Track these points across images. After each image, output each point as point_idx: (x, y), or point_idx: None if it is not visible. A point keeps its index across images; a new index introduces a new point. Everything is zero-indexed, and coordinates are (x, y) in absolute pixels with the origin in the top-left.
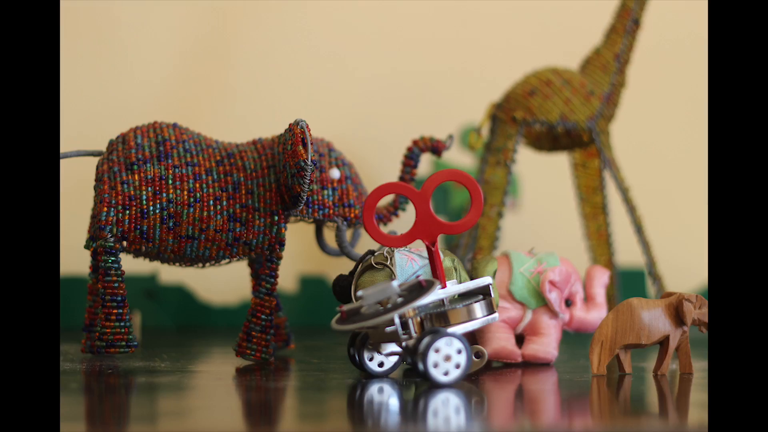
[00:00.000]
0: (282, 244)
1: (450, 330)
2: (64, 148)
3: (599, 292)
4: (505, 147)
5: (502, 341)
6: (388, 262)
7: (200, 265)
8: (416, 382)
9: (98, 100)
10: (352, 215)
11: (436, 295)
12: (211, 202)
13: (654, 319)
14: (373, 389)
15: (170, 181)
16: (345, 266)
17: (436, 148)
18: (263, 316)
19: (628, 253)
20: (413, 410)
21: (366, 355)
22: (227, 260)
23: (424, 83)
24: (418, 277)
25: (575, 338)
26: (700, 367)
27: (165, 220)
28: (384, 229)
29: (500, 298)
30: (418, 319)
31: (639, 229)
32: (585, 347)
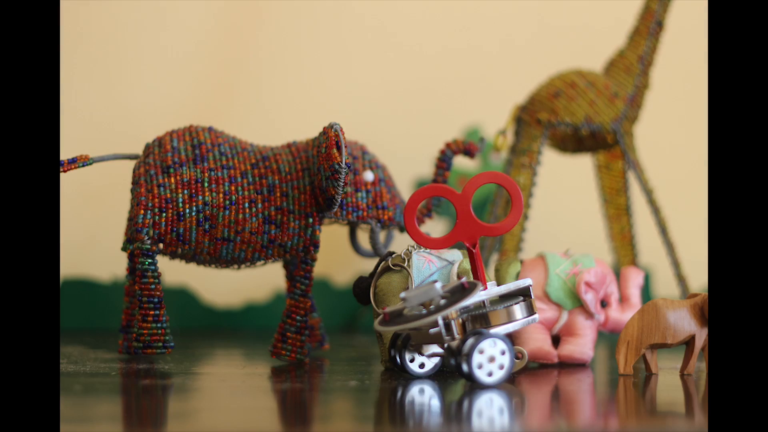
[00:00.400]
0: (316, 246)
1: (493, 331)
2: (65, 150)
3: (634, 293)
4: (529, 149)
5: (539, 342)
6: (406, 264)
7: (235, 266)
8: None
9: (100, 100)
10: (386, 217)
11: (478, 296)
12: (247, 205)
13: (679, 319)
14: (415, 390)
15: (206, 184)
16: (347, 267)
17: (468, 150)
18: (298, 317)
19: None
20: (457, 411)
21: (407, 357)
22: (262, 262)
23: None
24: (441, 279)
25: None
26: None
27: (201, 223)
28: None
29: (536, 299)
30: (460, 320)
31: (663, 230)
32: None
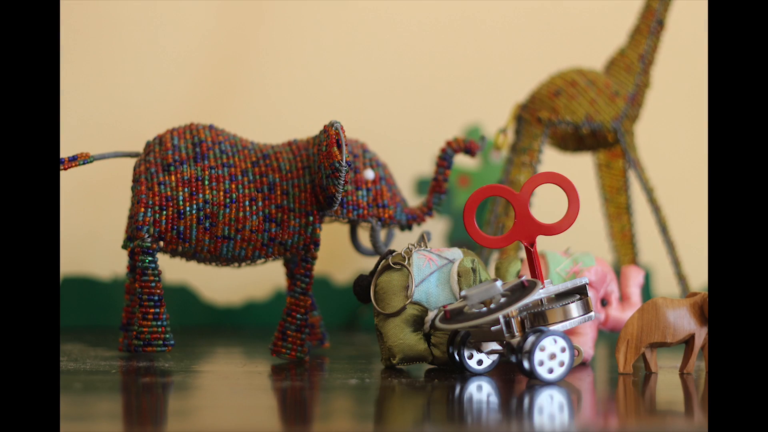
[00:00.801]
0: (317, 244)
1: (553, 328)
2: (65, 147)
3: (634, 292)
4: (530, 147)
5: None
6: (406, 262)
7: (236, 264)
8: (433, 384)
9: (100, 98)
10: (386, 215)
11: (537, 294)
12: (247, 203)
13: (679, 318)
14: (472, 387)
15: (206, 182)
16: (347, 265)
17: (469, 149)
18: (298, 315)
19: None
20: (518, 408)
21: (466, 354)
22: (263, 260)
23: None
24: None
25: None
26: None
27: (201, 221)
28: (417, 230)
29: None
30: (519, 318)
31: (664, 229)
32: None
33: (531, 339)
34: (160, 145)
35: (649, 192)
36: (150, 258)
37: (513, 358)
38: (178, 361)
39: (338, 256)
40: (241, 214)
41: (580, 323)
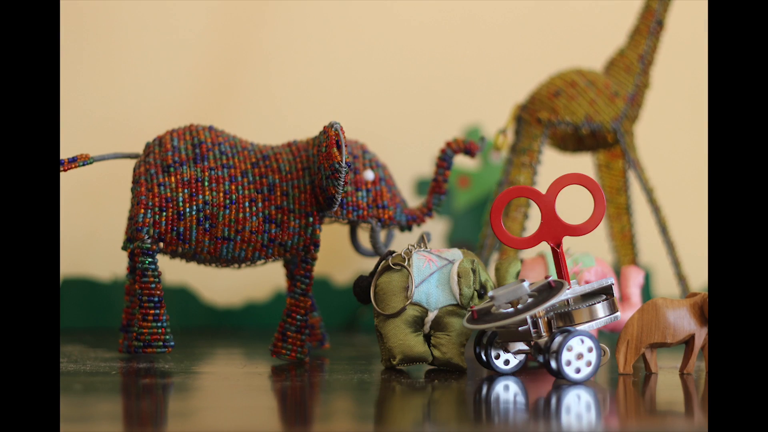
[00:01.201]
0: (317, 245)
1: (580, 329)
2: (65, 149)
3: (634, 292)
4: (530, 148)
5: None
6: (406, 263)
7: (236, 265)
8: (433, 384)
9: (100, 98)
10: (386, 216)
11: (564, 295)
12: (247, 204)
13: (679, 318)
14: (499, 387)
15: (206, 183)
16: (347, 266)
17: (469, 149)
18: (298, 317)
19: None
20: (545, 407)
21: (492, 354)
22: (263, 261)
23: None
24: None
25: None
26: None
27: (201, 222)
28: (417, 230)
29: None
30: (546, 318)
31: (664, 229)
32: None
33: (558, 339)
34: (159, 147)
35: (648, 192)
36: (150, 259)
37: (540, 358)
38: (178, 363)
39: (338, 257)
40: (240, 215)
41: (606, 323)
